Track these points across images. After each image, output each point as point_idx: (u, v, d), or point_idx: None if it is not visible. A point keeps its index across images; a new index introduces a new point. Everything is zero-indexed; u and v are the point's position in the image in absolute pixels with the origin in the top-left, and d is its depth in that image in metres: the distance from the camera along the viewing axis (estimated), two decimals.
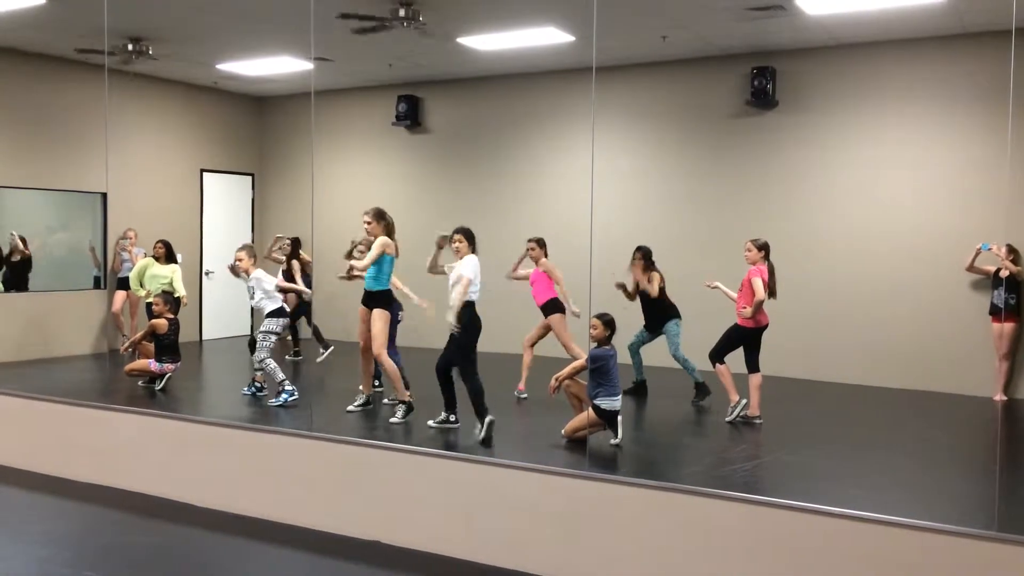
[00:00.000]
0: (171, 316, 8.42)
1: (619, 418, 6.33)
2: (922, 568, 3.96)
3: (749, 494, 4.56)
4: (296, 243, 10.10)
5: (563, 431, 6.44)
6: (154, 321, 8.38)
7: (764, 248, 7.30)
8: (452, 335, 6.53)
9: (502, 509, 4.91)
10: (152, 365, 8.31)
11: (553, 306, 7.94)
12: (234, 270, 7.98)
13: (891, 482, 5.81)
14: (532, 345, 8.18)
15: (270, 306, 7.83)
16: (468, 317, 6.53)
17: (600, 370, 6.27)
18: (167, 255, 9.42)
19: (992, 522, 4.32)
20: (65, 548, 5.16)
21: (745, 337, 7.25)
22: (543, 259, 8.03)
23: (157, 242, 9.54)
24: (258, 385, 8.11)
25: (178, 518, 5.66)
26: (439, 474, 5.16)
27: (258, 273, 7.88)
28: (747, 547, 4.29)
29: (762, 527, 4.28)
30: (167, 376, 8.33)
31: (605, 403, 6.26)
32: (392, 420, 6.96)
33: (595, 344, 6.42)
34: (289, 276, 9.74)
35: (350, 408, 7.38)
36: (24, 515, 5.89)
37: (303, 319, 10.30)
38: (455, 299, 6.48)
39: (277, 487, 5.66)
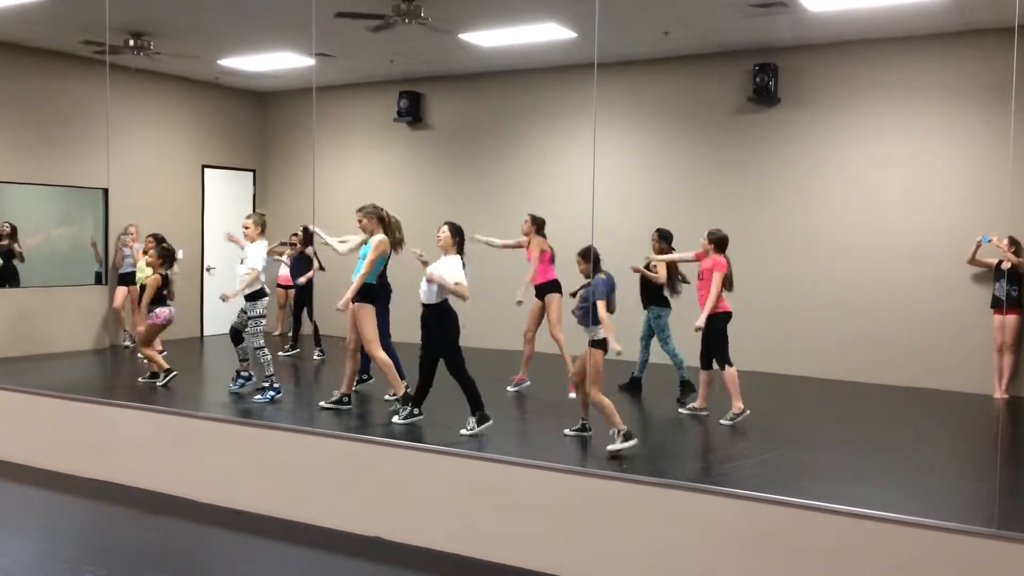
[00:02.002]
0: (163, 272, 8.37)
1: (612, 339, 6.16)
2: (922, 565, 3.96)
3: (750, 491, 4.56)
4: (307, 232, 10.05)
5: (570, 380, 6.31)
6: (150, 279, 8.33)
7: (719, 241, 7.22)
8: (431, 333, 6.54)
9: (503, 505, 4.92)
10: (157, 318, 8.27)
11: (551, 287, 7.98)
12: (231, 238, 7.99)
13: (891, 480, 5.81)
14: (533, 336, 8.14)
15: (249, 289, 7.66)
16: (448, 315, 6.53)
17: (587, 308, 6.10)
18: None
19: (992, 520, 4.33)
20: (65, 544, 5.17)
21: (726, 327, 7.19)
22: (535, 237, 8.09)
23: (148, 236, 9.45)
24: (245, 375, 8.00)
25: (179, 514, 5.67)
26: (440, 470, 5.17)
27: (257, 247, 7.73)
28: (748, 544, 4.30)
29: (762, 524, 4.29)
30: (172, 375, 8.29)
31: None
32: (395, 420, 6.78)
33: (585, 278, 6.27)
34: (304, 262, 9.82)
35: (323, 404, 7.28)
36: (24, 511, 5.90)
37: (304, 313, 10.30)
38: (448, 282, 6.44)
39: (278, 483, 5.66)
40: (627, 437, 5.92)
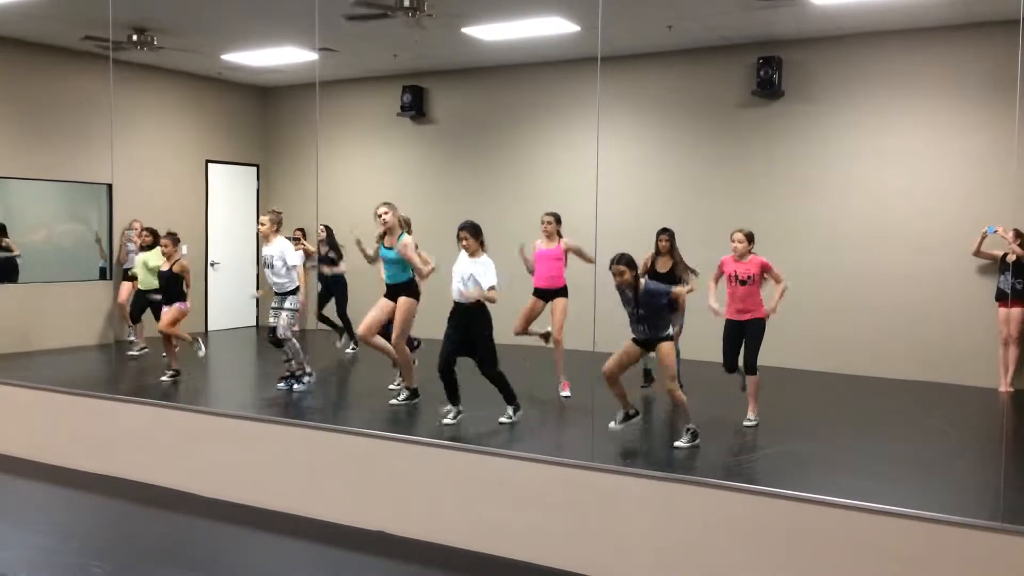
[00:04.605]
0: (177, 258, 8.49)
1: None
2: (927, 559, 3.96)
3: (754, 485, 4.56)
4: (329, 231, 10.22)
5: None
6: (185, 263, 8.45)
7: (752, 239, 6.97)
8: (466, 329, 6.57)
9: (508, 500, 4.92)
10: (184, 307, 8.40)
11: (565, 292, 7.84)
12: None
13: (895, 473, 5.81)
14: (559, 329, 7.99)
15: (291, 285, 7.78)
16: (484, 313, 6.63)
17: (669, 305, 6.14)
18: (153, 244, 9.31)
19: (997, 514, 4.32)
20: (72, 539, 5.18)
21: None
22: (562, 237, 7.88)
23: (143, 230, 9.42)
24: (300, 374, 7.89)
25: (184, 508, 5.68)
26: (445, 465, 5.17)
27: (281, 244, 7.79)
28: (752, 537, 4.30)
29: (767, 518, 4.28)
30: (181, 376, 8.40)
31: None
32: (392, 401, 6.98)
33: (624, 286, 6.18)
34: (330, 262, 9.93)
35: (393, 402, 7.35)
36: (30, 506, 5.92)
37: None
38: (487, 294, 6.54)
39: (283, 478, 5.67)
40: (695, 436, 6.10)
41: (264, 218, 7.91)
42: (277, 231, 7.87)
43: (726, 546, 4.34)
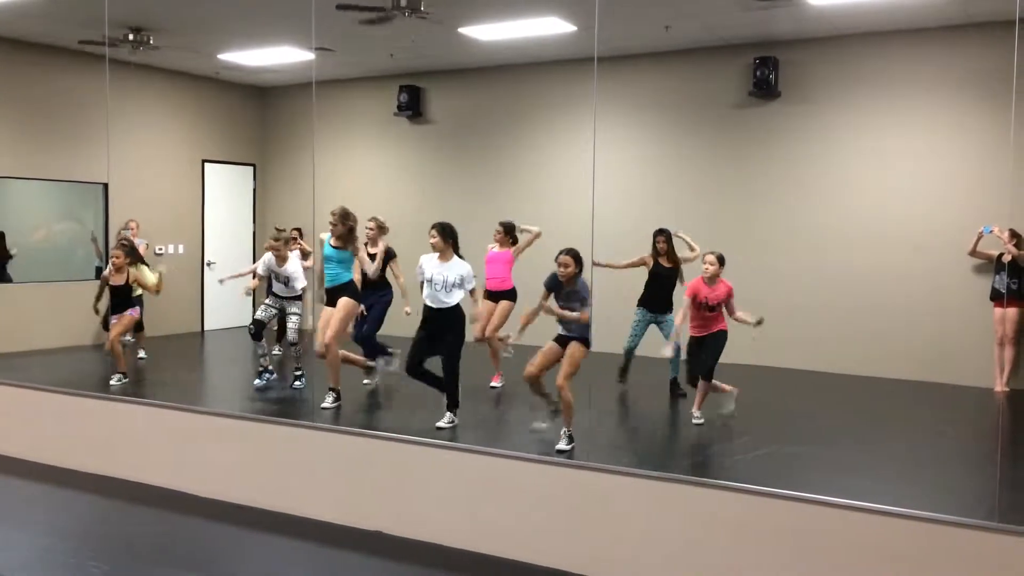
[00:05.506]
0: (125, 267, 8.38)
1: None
2: (924, 559, 3.97)
3: (750, 485, 4.57)
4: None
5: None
6: (136, 274, 8.35)
7: (723, 262, 6.93)
8: (442, 332, 6.60)
9: (504, 500, 4.92)
10: (134, 313, 8.41)
11: (511, 295, 8.02)
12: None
13: (893, 473, 5.83)
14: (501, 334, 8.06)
15: (296, 291, 8.09)
16: (461, 318, 6.66)
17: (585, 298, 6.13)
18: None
19: (993, 513, 4.34)
20: (68, 538, 5.18)
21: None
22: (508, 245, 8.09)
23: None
24: (271, 370, 8.17)
25: (181, 508, 5.68)
26: (442, 465, 5.17)
27: (296, 265, 8.13)
28: (748, 538, 4.30)
29: (763, 518, 4.29)
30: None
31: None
32: (323, 406, 7.06)
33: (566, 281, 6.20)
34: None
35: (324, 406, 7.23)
36: (27, 506, 5.91)
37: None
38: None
39: (280, 478, 5.67)
40: (571, 439, 6.05)
41: (278, 243, 8.08)
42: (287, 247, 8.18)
43: (725, 546, 4.35)
